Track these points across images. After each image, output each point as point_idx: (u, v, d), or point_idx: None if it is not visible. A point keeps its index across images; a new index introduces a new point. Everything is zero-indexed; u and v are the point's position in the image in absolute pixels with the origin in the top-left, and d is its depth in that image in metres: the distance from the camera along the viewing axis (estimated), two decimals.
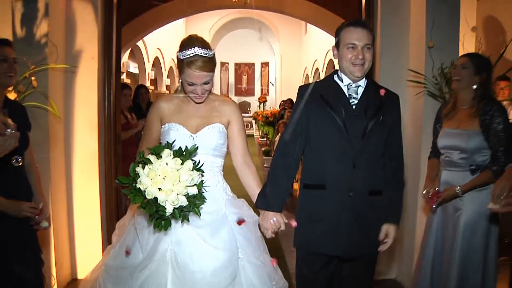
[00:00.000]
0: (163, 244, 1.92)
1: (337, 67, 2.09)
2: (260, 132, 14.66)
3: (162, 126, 2.11)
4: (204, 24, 15.54)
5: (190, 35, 2.06)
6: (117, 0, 3.59)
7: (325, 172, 1.95)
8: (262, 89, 19.60)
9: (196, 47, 1.95)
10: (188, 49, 1.96)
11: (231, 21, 16.66)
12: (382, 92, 1.98)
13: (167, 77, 13.87)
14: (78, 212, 3.53)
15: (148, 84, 11.59)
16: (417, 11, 3.26)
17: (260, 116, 13.24)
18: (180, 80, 2.06)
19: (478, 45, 2.98)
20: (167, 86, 13.78)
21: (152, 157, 1.74)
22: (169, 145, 1.80)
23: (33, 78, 2.84)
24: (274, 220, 2.00)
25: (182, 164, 1.75)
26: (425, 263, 2.52)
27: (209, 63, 1.98)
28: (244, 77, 19.87)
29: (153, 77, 12.72)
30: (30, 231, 2.17)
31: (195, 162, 1.79)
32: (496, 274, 2.32)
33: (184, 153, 1.78)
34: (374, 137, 1.93)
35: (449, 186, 2.38)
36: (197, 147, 1.86)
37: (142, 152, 1.79)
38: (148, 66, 11.80)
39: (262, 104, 18.06)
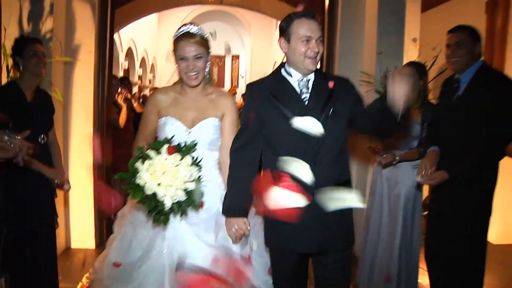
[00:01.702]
0: (160, 241, 1.93)
1: None
2: None
3: (159, 120, 2.08)
4: (177, 16, 15.59)
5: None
6: (111, 0, 3.98)
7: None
8: (232, 81, 19.95)
9: (189, 25, 2.03)
10: (181, 27, 2.03)
11: (203, 14, 16.80)
12: (331, 84, 1.89)
13: (140, 67, 14.05)
14: (73, 188, 3.81)
15: (121, 73, 11.75)
16: (370, 22, 3.79)
17: None
18: (176, 66, 2.04)
19: (418, 54, 3.59)
20: (139, 76, 13.97)
21: (152, 152, 1.75)
22: (168, 141, 1.82)
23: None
24: (236, 228, 1.92)
25: (181, 159, 1.76)
26: (371, 234, 3.08)
27: (201, 39, 1.99)
28: (215, 69, 20.15)
29: (126, 67, 12.89)
30: (50, 194, 2.63)
31: (194, 157, 1.80)
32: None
33: (183, 149, 1.80)
34: (330, 130, 1.83)
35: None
36: (196, 143, 1.87)
37: (142, 147, 1.79)
38: (122, 56, 11.93)
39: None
